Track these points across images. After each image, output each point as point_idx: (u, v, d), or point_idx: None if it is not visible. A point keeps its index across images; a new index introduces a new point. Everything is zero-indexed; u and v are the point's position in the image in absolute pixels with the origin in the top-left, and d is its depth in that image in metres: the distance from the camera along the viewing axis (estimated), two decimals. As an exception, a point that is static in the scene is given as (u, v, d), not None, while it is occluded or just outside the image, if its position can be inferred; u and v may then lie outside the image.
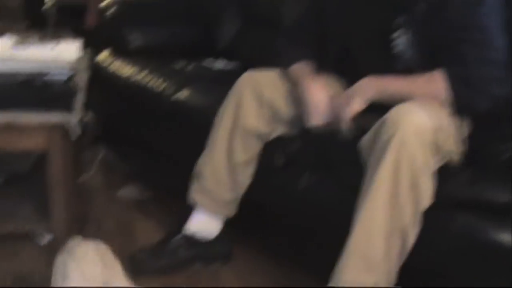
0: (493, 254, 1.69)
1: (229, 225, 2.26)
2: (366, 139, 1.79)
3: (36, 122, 2.21)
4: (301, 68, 2.12)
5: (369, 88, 1.87)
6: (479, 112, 1.86)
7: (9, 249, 2.35)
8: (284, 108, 2.10)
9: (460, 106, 1.82)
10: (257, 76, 2.14)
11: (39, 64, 2.34)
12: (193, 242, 2.22)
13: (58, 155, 2.27)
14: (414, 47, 1.89)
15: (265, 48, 2.78)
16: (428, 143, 1.67)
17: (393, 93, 1.83)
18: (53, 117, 2.21)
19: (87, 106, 2.85)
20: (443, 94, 1.80)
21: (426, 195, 1.69)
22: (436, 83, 1.81)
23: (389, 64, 1.93)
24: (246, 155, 2.14)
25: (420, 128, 1.66)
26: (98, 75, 3.00)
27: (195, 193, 2.21)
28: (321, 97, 1.99)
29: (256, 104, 2.09)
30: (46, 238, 2.40)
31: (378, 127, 1.72)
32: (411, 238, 1.70)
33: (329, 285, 1.75)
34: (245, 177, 2.17)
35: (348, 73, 2.09)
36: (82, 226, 2.50)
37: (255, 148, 2.14)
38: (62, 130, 2.24)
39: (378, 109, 1.81)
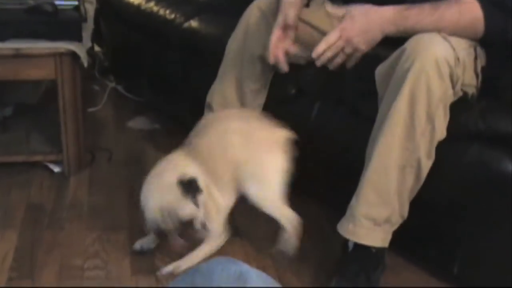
0: (505, 185, 1.66)
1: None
2: (382, 68, 1.72)
3: (44, 50, 2.19)
4: None
5: (389, 25, 1.71)
6: (510, 39, 1.76)
7: (22, 178, 2.35)
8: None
9: (494, 32, 1.72)
10: (264, 4, 2.07)
11: (46, -10, 2.31)
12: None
13: (67, 84, 2.26)
14: None
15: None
16: (447, 75, 1.62)
17: (419, 30, 1.67)
18: (62, 46, 2.19)
19: (96, 36, 2.83)
20: (479, 24, 1.70)
21: (441, 128, 1.66)
22: (470, 11, 1.69)
23: None
24: (256, 83, 2.09)
25: (440, 59, 1.59)
26: (106, 4, 2.96)
27: (205, 123, 2.19)
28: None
29: (264, 32, 2.01)
30: (57, 167, 2.41)
31: (397, 56, 1.66)
32: (425, 171, 1.67)
33: (344, 217, 1.75)
34: (255, 106, 2.13)
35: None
36: (93, 156, 2.51)
37: (265, 76, 2.10)
38: (71, 59, 2.22)
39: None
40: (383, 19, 1.71)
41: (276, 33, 1.91)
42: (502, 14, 1.70)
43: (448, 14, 1.68)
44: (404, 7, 1.71)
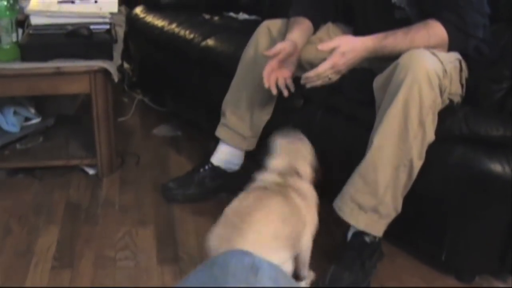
0: (485, 181, 1.66)
1: (252, 159, 2.24)
2: (379, 79, 1.73)
3: (81, 68, 2.19)
4: (293, 21, 2.02)
5: (370, 54, 1.75)
6: (468, 54, 1.79)
7: (61, 180, 2.35)
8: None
9: (454, 49, 1.75)
10: (273, 25, 2.07)
11: (82, 17, 2.32)
12: (218, 173, 2.18)
13: (100, 97, 2.26)
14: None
15: (282, 4, 2.71)
16: (436, 86, 1.61)
17: (396, 53, 1.70)
18: (96, 64, 2.19)
19: (125, 55, 2.83)
20: (445, 43, 1.73)
21: (431, 132, 1.65)
22: (437, 34, 1.72)
23: (389, 15, 1.87)
24: (265, 96, 2.06)
25: (430, 72, 1.60)
26: (134, 27, 2.96)
27: (219, 129, 2.16)
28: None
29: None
30: (92, 170, 2.41)
31: (392, 69, 1.66)
32: (416, 170, 1.66)
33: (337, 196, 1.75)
34: (264, 114, 2.12)
35: (353, 23, 2.05)
36: (123, 160, 2.51)
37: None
38: (103, 75, 2.22)
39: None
40: (366, 50, 1.75)
41: (270, 64, 1.89)
42: (463, 36, 1.74)
43: (418, 37, 1.72)
44: (382, 36, 1.74)
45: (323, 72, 1.75)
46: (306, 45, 1.99)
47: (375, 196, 1.68)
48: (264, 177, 1.71)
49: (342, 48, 1.73)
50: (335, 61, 1.73)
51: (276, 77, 1.90)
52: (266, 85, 1.90)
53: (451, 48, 1.74)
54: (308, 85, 1.80)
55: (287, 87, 1.94)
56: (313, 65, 1.96)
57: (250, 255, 0.87)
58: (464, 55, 1.80)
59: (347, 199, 1.72)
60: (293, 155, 1.74)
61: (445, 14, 1.72)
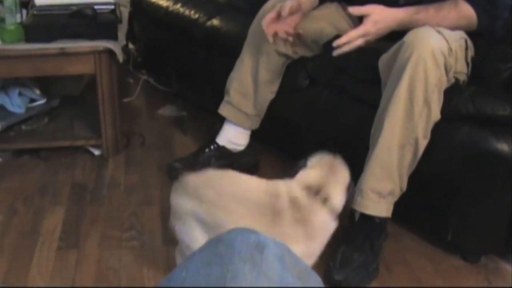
0: (492, 161, 1.65)
1: (257, 138, 2.23)
2: (385, 58, 1.71)
3: (86, 49, 2.18)
4: None
5: (400, 26, 1.71)
6: (497, 35, 1.79)
7: (67, 160, 2.36)
8: (304, 30, 2.00)
9: (483, 31, 1.75)
10: (278, 2, 2.04)
11: (87, -3, 2.31)
12: (223, 153, 2.17)
13: (105, 77, 2.25)
14: None
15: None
16: (442, 64, 1.60)
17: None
18: (100, 44, 2.19)
19: (130, 35, 2.81)
20: (473, 25, 1.74)
21: (436, 111, 1.64)
22: (467, 16, 1.73)
23: (392, 1, 1.81)
24: (270, 74, 2.06)
25: (435, 50, 1.58)
26: (138, 7, 2.94)
27: (223, 107, 2.15)
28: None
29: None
30: (97, 150, 2.41)
31: (397, 48, 1.65)
32: (421, 149, 1.65)
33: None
34: (268, 93, 2.11)
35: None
36: (128, 140, 2.51)
37: (278, 67, 2.07)
38: (108, 55, 2.21)
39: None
40: (397, 21, 1.72)
41: (269, 15, 1.88)
42: (491, 18, 1.75)
43: (449, 18, 1.72)
44: (413, 11, 1.72)
45: (355, 38, 1.69)
46: (311, 23, 1.97)
47: (392, 179, 1.67)
48: (288, 189, 1.52)
49: (375, 17, 1.69)
50: (367, 28, 1.69)
51: (275, 29, 1.88)
52: (266, 31, 1.88)
53: (479, 29, 1.75)
54: (335, 54, 1.73)
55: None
56: (318, 44, 1.95)
57: (256, 233, 0.87)
58: (471, 34, 1.78)
59: (367, 192, 1.69)
60: (329, 174, 1.55)
61: None
